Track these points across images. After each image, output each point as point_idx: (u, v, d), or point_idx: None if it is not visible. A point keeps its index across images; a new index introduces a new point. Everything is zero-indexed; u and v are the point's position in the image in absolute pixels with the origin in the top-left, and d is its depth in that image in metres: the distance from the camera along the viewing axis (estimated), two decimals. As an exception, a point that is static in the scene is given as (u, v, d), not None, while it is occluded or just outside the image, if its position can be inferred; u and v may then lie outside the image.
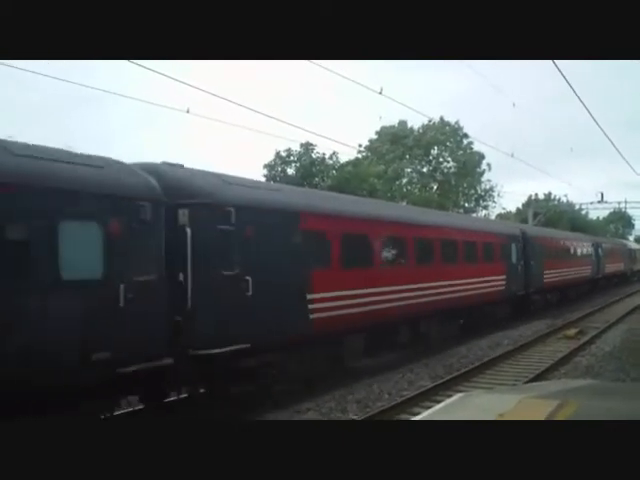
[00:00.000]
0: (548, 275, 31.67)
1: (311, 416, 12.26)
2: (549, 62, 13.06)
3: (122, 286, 9.32)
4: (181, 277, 10.78)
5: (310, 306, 13.53)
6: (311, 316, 13.53)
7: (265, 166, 42.57)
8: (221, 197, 11.68)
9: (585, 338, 22.21)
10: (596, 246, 44.73)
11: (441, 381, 15.01)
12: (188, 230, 10.84)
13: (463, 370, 16.40)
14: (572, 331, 23.59)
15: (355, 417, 11.98)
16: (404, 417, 11.49)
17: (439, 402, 9.76)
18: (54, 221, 8.60)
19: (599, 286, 46.37)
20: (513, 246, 27.12)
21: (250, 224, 11.92)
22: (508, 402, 6.49)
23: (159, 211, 10.25)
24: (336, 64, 16.65)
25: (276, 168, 42.36)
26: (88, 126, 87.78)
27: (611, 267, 49.79)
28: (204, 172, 12.50)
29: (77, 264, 8.96)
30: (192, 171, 12.31)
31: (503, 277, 25.41)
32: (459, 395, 7.88)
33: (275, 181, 39.39)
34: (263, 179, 39.68)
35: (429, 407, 10.08)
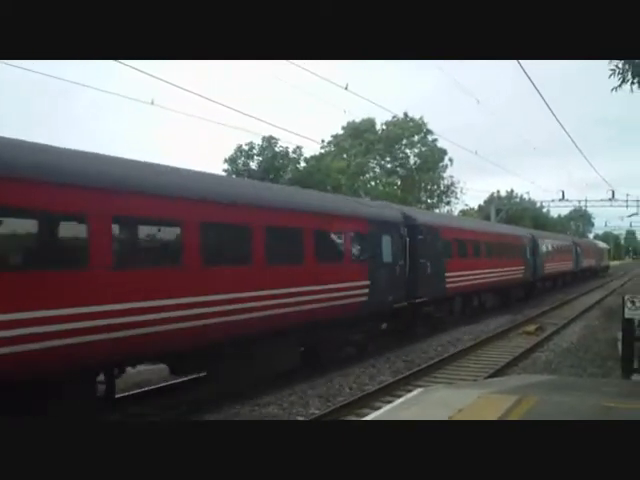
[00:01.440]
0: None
1: (272, 410, 12.22)
2: (514, 62, 13.17)
3: (397, 266, 19.59)
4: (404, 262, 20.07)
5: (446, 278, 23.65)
6: (447, 285, 23.59)
7: (226, 160, 42.39)
8: (418, 221, 21.71)
9: (544, 334, 22.51)
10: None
11: (402, 376, 15.07)
12: (407, 239, 20.37)
13: (424, 365, 16.49)
14: (532, 327, 23.89)
15: (317, 411, 11.98)
16: (366, 411, 11.50)
17: (400, 397, 9.82)
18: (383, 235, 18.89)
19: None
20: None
21: (427, 234, 21.82)
22: (468, 397, 6.54)
23: (404, 229, 20.29)
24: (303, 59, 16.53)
25: (237, 162, 42.20)
26: (53, 116, 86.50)
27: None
28: (414, 209, 23.38)
29: (385, 255, 18.86)
30: (410, 208, 26.35)
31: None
32: (420, 390, 7.94)
33: (238, 175, 39.23)
34: (224, 173, 39.48)
35: (390, 402, 10.11)
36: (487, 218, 57.93)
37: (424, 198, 65.49)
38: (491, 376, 14.68)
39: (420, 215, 23.58)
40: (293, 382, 14.25)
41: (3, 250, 8.79)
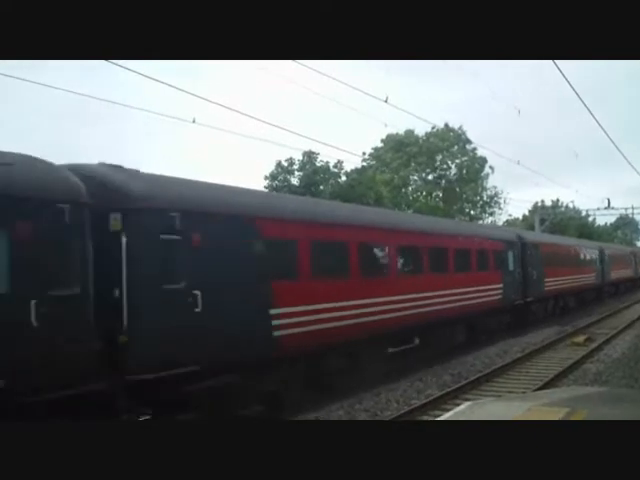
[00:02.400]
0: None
1: (319, 426, 12.22)
2: (555, 69, 13.03)
3: (516, 273, 25.60)
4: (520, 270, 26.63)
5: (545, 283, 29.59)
6: (545, 288, 29.34)
7: (267, 177, 42.57)
8: (527, 239, 28.47)
9: (593, 345, 22.11)
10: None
11: (449, 389, 14.95)
12: (520, 253, 27.29)
13: (472, 378, 16.33)
14: (580, 338, 23.50)
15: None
16: (413, 426, 11.46)
17: (448, 411, 9.75)
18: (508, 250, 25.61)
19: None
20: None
21: (532, 249, 28.62)
22: (517, 410, 6.47)
23: (518, 245, 27.03)
24: (341, 73, 16.60)
25: (278, 177, 42.35)
26: (96, 138, 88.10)
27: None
28: (524, 230, 35.14)
29: (510, 265, 25.71)
30: (521, 230, 34.55)
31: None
32: (468, 403, 7.87)
33: (278, 191, 39.37)
34: (265, 189, 39.71)
35: (438, 415, 10.06)
36: (531, 228, 57.14)
37: (467, 209, 64.92)
38: (540, 389, 14.48)
39: (528, 235, 31.75)
40: (340, 397, 14.23)
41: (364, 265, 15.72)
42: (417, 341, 17.95)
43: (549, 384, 15.35)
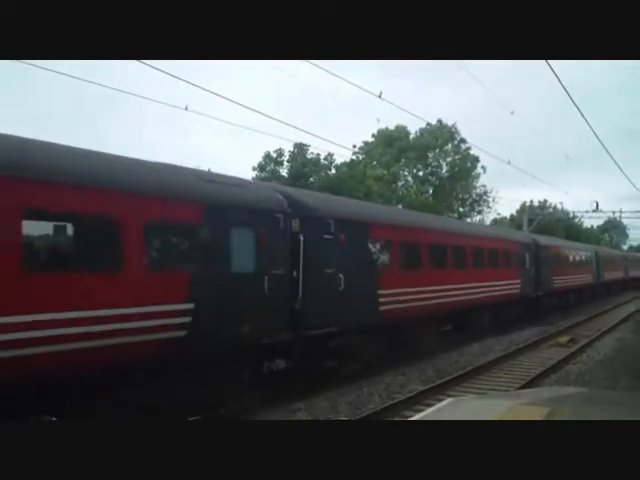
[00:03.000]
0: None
1: (301, 417, 12.26)
2: (549, 72, 13.08)
3: (530, 271, 30.58)
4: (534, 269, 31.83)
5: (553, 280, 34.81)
6: (554, 284, 34.04)
7: (255, 168, 42.49)
8: (541, 242, 34.66)
9: (577, 346, 22.26)
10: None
11: (432, 385, 15.01)
12: (534, 253, 32.31)
13: (455, 374, 16.40)
14: (564, 338, 23.64)
15: (346, 418, 11.98)
16: (395, 420, 11.48)
17: (430, 406, 9.78)
18: (525, 252, 31.00)
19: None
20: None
21: (545, 250, 33.98)
22: (499, 408, 6.49)
23: (534, 247, 32.07)
24: (336, 67, 16.63)
25: (266, 168, 42.28)
26: (93, 126, 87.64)
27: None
28: (538, 235, 38.52)
29: (526, 264, 30.39)
30: (536, 235, 38.08)
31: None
32: (450, 400, 7.90)
33: (267, 181, 39.35)
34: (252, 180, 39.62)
35: (420, 410, 10.09)
36: (519, 227, 57.35)
37: (456, 207, 65.03)
38: (522, 387, 14.56)
39: (541, 238, 35.87)
40: (323, 390, 14.27)
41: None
42: (449, 326, 23.49)
43: (531, 383, 15.44)
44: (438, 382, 15.44)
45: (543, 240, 35.99)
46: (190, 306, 10.79)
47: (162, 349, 10.26)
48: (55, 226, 9.52)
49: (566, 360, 19.35)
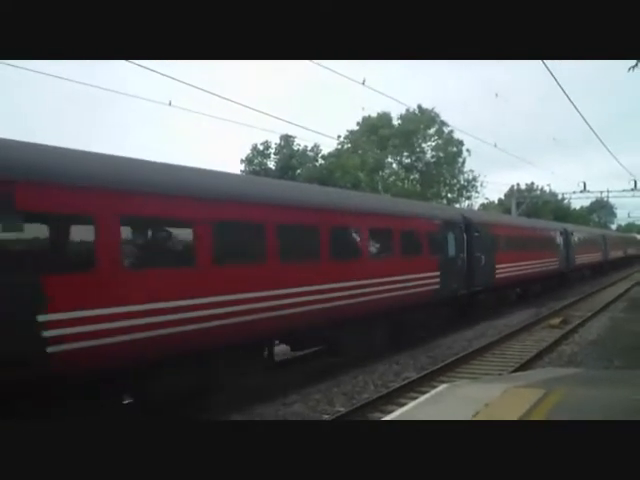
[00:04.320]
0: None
1: (297, 408, 12.25)
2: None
3: (561, 251, 39.04)
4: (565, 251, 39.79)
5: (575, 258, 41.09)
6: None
7: (243, 161, 42.40)
8: (568, 229, 41.63)
9: (569, 327, 22.34)
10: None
11: (426, 372, 15.03)
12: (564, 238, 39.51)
13: (448, 361, 16.43)
14: (556, 320, 23.72)
15: (342, 409, 11.99)
16: (391, 408, 11.49)
17: (425, 393, 9.79)
18: (560, 235, 39.71)
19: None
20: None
21: (570, 235, 40.48)
22: (494, 391, 6.50)
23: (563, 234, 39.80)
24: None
25: (254, 161, 42.22)
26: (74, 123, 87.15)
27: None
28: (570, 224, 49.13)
29: (561, 249, 39.12)
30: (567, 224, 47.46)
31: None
32: (445, 385, 7.91)
33: (255, 174, 39.25)
34: (240, 173, 39.52)
35: (415, 398, 10.09)
36: (508, 211, 57.56)
37: (444, 193, 65.09)
38: (516, 370, 14.60)
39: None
40: (318, 380, 14.27)
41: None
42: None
43: (525, 366, 15.48)
44: (432, 369, 15.46)
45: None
46: (438, 273, 20.26)
47: (429, 295, 19.82)
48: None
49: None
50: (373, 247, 17.30)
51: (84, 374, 9.26)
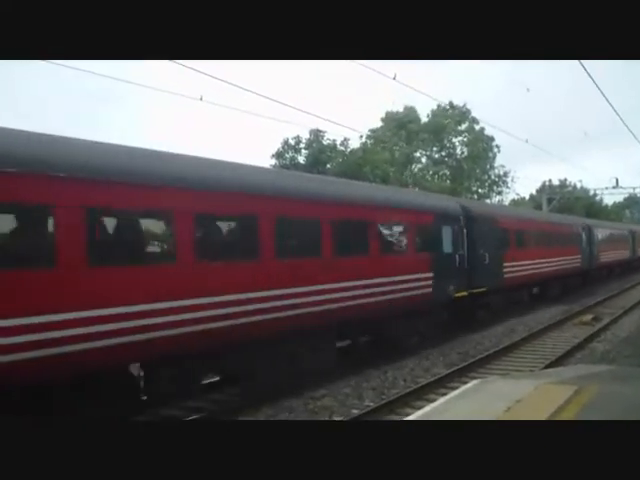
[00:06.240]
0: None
1: (326, 402, 12.29)
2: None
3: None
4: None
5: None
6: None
7: (273, 155, 42.40)
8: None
9: (601, 324, 22.12)
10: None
11: (456, 368, 14.99)
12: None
13: (478, 357, 16.37)
14: (588, 317, 23.49)
15: (372, 404, 12.02)
16: (420, 404, 11.49)
17: (454, 389, 9.78)
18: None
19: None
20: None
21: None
22: (525, 388, 6.49)
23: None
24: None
25: (284, 156, 42.22)
26: (104, 117, 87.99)
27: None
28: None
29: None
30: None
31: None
32: (476, 381, 7.90)
33: (286, 168, 39.23)
34: (271, 167, 39.48)
35: (444, 394, 10.08)
36: (539, 207, 56.94)
37: (474, 188, 64.65)
38: (547, 367, 14.50)
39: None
40: (347, 375, 14.30)
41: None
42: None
43: (556, 363, 15.37)
44: (462, 365, 15.41)
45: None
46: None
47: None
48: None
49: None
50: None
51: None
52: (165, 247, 10.38)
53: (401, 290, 16.02)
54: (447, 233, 19.16)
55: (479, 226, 21.18)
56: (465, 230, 20.24)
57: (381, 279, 15.26)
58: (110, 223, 9.50)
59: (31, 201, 8.29)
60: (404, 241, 16.76)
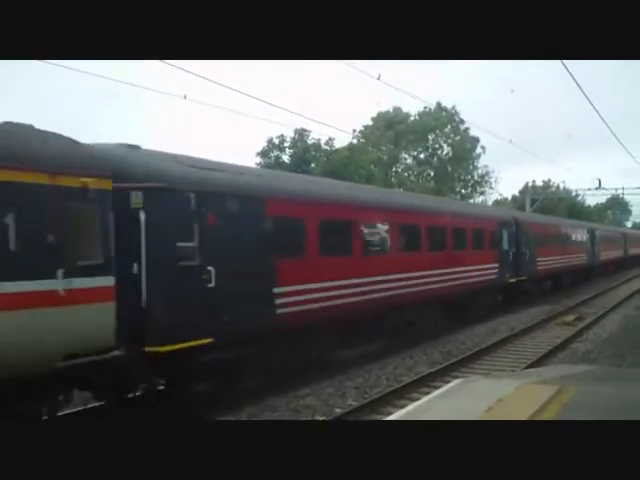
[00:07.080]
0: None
1: (309, 402, 12.29)
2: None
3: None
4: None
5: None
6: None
7: (258, 154, 42.27)
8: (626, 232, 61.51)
9: (582, 324, 22.26)
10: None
11: (439, 367, 15.04)
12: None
13: (461, 356, 16.44)
14: (570, 317, 23.64)
15: (354, 403, 12.04)
16: (403, 402, 11.52)
17: (437, 388, 9.82)
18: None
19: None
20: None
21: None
22: (507, 387, 6.53)
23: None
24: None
25: (269, 155, 42.08)
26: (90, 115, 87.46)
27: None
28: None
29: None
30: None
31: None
32: (458, 380, 7.93)
33: (270, 168, 39.15)
34: (256, 166, 39.40)
35: (427, 393, 10.11)
36: (521, 208, 57.26)
37: (458, 188, 64.91)
38: (529, 367, 14.58)
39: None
40: (330, 374, 14.31)
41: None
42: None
43: (538, 363, 15.46)
44: (445, 364, 15.47)
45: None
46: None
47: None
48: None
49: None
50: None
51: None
52: (378, 243, 16.49)
53: (481, 275, 23.40)
54: (505, 235, 26.14)
55: (522, 230, 28.13)
56: (515, 233, 27.33)
57: (473, 267, 22.40)
58: (326, 229, 14.21)
59: (294, 216, 13.38)
60: (484, 241, 24.15)
